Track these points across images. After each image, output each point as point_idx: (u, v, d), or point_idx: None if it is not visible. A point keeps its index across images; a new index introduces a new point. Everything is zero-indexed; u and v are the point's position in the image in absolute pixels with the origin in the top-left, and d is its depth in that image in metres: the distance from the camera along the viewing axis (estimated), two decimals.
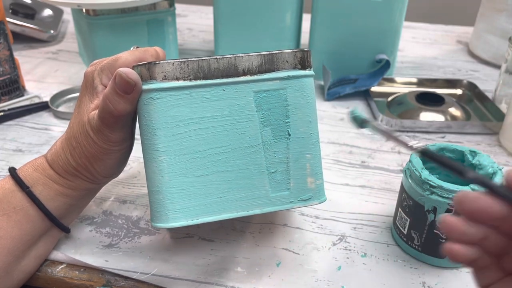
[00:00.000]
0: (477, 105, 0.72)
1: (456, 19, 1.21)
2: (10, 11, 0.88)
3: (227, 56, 0.36)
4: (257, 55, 0.37)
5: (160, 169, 0.36)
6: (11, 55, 0.67)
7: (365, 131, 0.65)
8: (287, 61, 0.37)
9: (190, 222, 0.36)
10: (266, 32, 0.77)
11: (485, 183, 0.27)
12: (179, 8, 1.12)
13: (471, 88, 0.76)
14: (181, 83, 0.35)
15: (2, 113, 0.65)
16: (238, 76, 0.36)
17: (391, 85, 0.78)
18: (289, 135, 0.38)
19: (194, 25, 1.06)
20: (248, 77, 0.37)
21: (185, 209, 0.36)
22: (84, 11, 0.71)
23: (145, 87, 0.35)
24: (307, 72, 0.38)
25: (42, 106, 0.68)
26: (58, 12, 0.98)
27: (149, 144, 0.36)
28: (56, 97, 0.69)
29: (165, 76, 0.35)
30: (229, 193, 0.37)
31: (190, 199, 0.36)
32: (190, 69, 0.35)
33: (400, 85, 0.78)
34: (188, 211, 0.36)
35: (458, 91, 0.77)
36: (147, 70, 0.35)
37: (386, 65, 0.73)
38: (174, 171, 0.36)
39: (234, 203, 0.37)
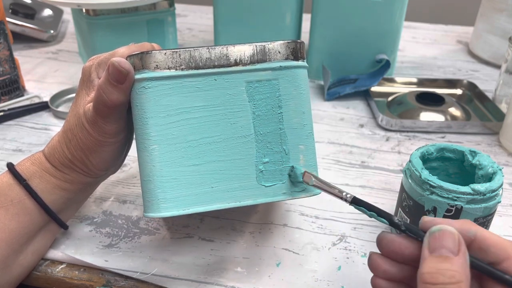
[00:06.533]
0: (477, 105, 0.72)
1: (456, 19, 1.21)
2: (10, 11, 0.88)
3: (219, 46, 0.36)
4: (249, 45, 0.37)
5: (152, 158, 0.36)
6: (11, 55, 0.67)
7: (365, 131, 0.65)
8: (279, 52, 0.37)
9: (181, 212, 0.36)
10: (266, 32, 0.77)
11: (407, 228, 0.30)
12: (179, 8, 1.12)
13: (471, 88, 0.76)
14: (172, 72, 0.36)
15: (2, 113, 0.65)
16: (230, 66, 0.36)
17: (391, 85, 0.78)
18: (282, 125, 0.38)
19: (194, 25, 1.06)
20: (240, 67, 0.37)
21: (176, 198, 0.36)
22: (84, 11, 0.71)
23: (137, 76, 0.36)
24: (299, 63, 0.38)
25: (42, 106, 0.68)
26: (58, 12, 0.98)
27: (141, 133, 0.36)
28: (56, 97, 0.69)
29: (157, 65, 0.35)
30: (221, 183, 0.37)
31: (181, 189, 0.36)
32: (182, 59, 0.36)
33: (400, 85, 0.78)
34: (179, 201, 0.36)
35: (458, 91, 0.77)
36: (140, 60, 0.35)
37: (386, 65, 0.73)
38: (165, 160, 0.36)
39: (226, 194, 0.37)
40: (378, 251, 0.32)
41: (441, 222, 0.29)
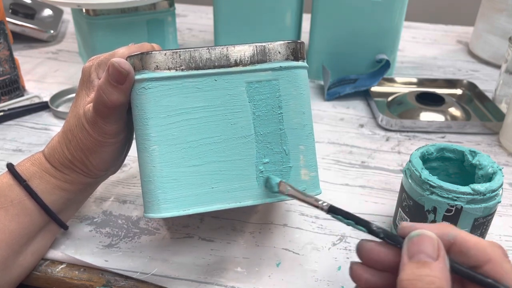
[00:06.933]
0: (477, 105, 0.72)
1: (456, 19, 1.21)
2: (10, 11, 0.88)
3: (219, 46, 0.36)
4: (249, 46, 0.37)
5: (152, 159, 0.36)
6: (11, 55, 0.67)
7: (365, 131, 0.65)
8: (279, 52, 0.37)
9: (181, 212, 0.36)
10: (266, 32, 0.77)
11: (385, 235, 0.29)
12: (179, 8, 1.12)
13: (471, 88, 0.76)
14: (173, 73, 0.36)
15: (2, 113, 0.65)
16: (230, 67, 0.36)
17: (391, 85, 0.78)
18: (282, 126, 0.38)
19: (194, 25, 1.06)
20: (240, 68, 0.37)
21: (177, 199, 0.36)
22: (84, 11, 0.71)
23: (137, 77, 0.36)
24: (299, 63, 0.38)
25: (42, 106, 0.68)
26: (58, 12, 0.98)
27: (141, 134, 0.36)
28: (56, 97, 0.69)
29: (157, 66, 0.35)
30: (221, 184, 0.37)
31: (181, 189, 0.36)
32: (182, 59, 0.36)
33: (400, 85, 0.78)
34: (179, 201, 0.36)
35: (458, 91, 0.77)
36: (140, 60, 0.36)
37: (386, 65, 0.73)
38: (165, 161, 0.36)
39: (226, 194, 0.37)
40: (359, 260, 0.31)
41: (419, 227, 0.28)
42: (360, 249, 0.30)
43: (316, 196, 0.34)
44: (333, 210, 0.31)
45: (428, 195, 0.40)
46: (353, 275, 0.31)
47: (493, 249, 0.27)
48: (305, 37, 0.83)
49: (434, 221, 0.41)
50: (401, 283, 0.26)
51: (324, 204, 0.32)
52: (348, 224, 0.31)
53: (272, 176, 0.37)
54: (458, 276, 0.27)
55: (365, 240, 0.31)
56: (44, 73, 0.80)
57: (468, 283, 0.28)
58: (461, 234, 0.28)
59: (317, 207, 0.32)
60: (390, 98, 0.73)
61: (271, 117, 0.37)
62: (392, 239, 0.29)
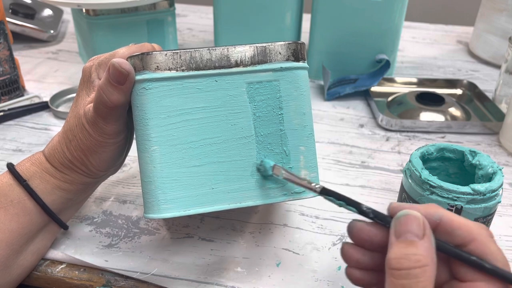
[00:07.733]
0: (477, 105, 0.72)
1: (456, 19, 1.21)
2: (10, 11, 0.88)
3: (219, 47, 0.36)
4: (250, 46, 0.37)
5: (152, 159, 0.36)
6: (11, 55, 0.67)
7: (365, 131, 0.65)
8: (280, 53, 0.37)
9: (181, 213, 0.36)
10: (266, 32, 0.77)
11: (375, 215, 0.30)
12: (179, 8, 1.12)
13: (471, 88, 0.76)
14: (173, 73, 0.36)
15: (2, 113, 0.65)
16: (231, 68, 0.36)
17: (391, 85, 0.78)
18: (283, 126, 0.38)
19: (194, 25, 1.06)
20: (240, 69, 0.37)
21: (177, 199, 0.36)
22: (84, 11, 0.71)
23: (138, 77, 0.36)
24: (300, 64, 0.38)
25: (42, 106, 0.68)
26: (58, 12, 0.98)
27: (142, 134, 0.36)
28: (56, 97, 0.69)
29: (157, 66, 0.35)
30: (222, 185, 0.37)
31: (182, 190, 0.36)
32: (183, 60, 0.36)
33: (400, 85, 0.78)
34: (179, 202, 0.36)
35: (458, 91, 0.77)
36: (140, 60, 0.36)
37: (386, 65, 0.73)
38: (166, 161, 0.36)
39: (226, 195, 0.37)
40: (351, 241, 0.32)
41: (407, 207, 0.29)
42: (351, 229, 0.31)
43: (309, 179, 0.34)
44: (325, 192, 0.32)
45: (428, 195, 0.40)
46: (344, 254, 0.31)
47: (478, 230, 0.28)
48: (305, 37, 0.83)
49: None
50: (389, 262, 0.27)
51: (317, 186, 0.33)
52: (339, 205, 0.32)
53: (266, 160, 0.37)
54: (444, 254, 0.28)
55: (356, 220, 0.31)
56: (44, 73, 0.80)
57: (454, 261, 0.28)
58: (447, 215, 0.28)
59: (310, 189, 0.34)
60: (390, 98, 0.73)
61: (272, 117, 0.37)
62: (381, 219, 0.30)
